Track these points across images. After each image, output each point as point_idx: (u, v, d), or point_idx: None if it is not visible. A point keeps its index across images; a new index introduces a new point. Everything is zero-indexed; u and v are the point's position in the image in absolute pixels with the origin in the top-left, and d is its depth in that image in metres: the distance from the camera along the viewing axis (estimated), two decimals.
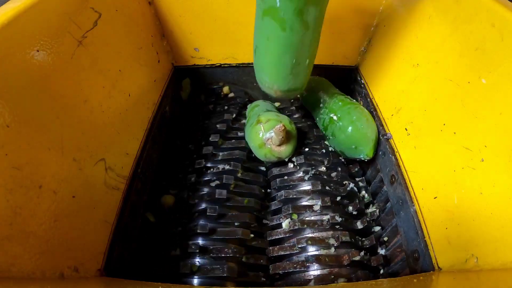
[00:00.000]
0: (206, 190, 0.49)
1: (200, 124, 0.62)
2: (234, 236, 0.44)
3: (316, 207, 0.46)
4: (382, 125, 0.49)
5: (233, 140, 0.57)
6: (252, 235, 0.45)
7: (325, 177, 0.50)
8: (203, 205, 0.47)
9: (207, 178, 0.50)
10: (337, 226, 0.45)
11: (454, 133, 0.34)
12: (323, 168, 0.51)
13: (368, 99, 0.54)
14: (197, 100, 0.68)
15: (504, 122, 0.29)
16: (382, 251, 0.45)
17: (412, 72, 0.43)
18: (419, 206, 0.38)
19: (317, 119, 0.56)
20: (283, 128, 0.45)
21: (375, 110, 0.51)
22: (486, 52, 0.32)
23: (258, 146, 0.49)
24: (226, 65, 0.63)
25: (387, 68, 0.50)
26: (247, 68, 0.64)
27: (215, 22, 0.56)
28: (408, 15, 0.45)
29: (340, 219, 0.45)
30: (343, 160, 0.54)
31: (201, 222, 0.45)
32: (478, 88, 0.32)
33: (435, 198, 0.36)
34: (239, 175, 0.51)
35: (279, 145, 0.49)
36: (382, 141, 0.48)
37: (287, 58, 0.40)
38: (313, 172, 0.50)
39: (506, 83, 0.29)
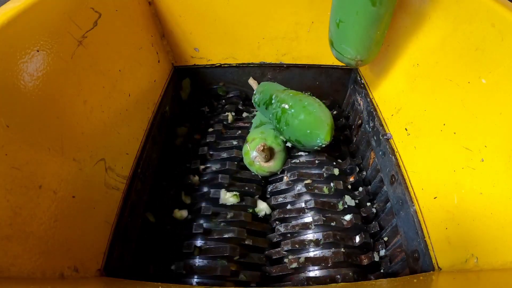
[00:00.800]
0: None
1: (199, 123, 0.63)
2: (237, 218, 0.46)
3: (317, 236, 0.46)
4: (382, 125, 0.49)
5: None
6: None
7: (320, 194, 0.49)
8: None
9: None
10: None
11: (454, 133, 0.34)
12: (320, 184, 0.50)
13: (368, 99, 0.54)
14: (197, 100, 0.69)
15: (504, 122, 0.29)
16: (382, 251, 0.45)
17: (412, 72, 0.43)
18: (419, 206, 0.38)
19: (270, 115, 0.54)
20: (262, 148, 0.47)
21: (375, 110, 0.51)
22: (486, 52, 0.32)
23: (249, 164, 0.52)
24: (226, 65, 0.63)
25: (387, 68, 0.50)
26: (247, 68, 0.64)
27: (215, 22, 0.56)
28: (408, 15, 0.45)
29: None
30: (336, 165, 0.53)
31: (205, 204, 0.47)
32: (478, 88, 0.32)
33: (435, 198, 0.36)
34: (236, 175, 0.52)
35: (267, 161, 0.51)
36: (382, 141, 0.48)
37: (373, 31, 0.43)
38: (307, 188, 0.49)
39: (506, 83, 0.29)
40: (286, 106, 0.50)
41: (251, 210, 0.49)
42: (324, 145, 0.46)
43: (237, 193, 0.49)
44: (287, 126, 0.49)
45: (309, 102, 0.48)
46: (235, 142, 0.56)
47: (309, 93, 0.55)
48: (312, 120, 0.46)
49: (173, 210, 0.47)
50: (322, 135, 0.45)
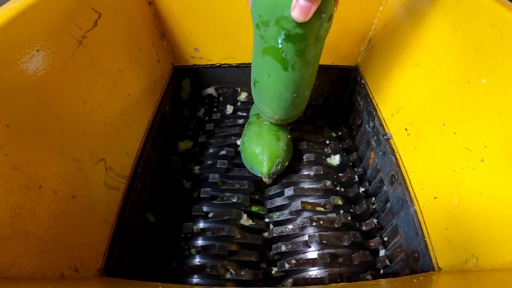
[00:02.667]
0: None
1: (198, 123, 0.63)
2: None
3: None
4: (382, 125, 0.49)
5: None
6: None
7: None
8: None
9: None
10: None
11: (454, 133, 0.34)
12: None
13: (368, 99, 0.54)
14: (197, 100, 0.69)
15: (504, 122, 0.29)
16: (382, 251, 0.45)
17: (412, 72, 0.43)
18: (419, 206, 0.38)
19: None
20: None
21: (375, 110, 0.51)
22: (486, 52, 0.31)
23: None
24: (226, 65, 0.63)
25: (387, 68, 0.50)
26: (247, 68, 0.64)
27: (215, 22, 0.56)
28: (408, 15, 0.45)
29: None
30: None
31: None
32: (478, 88, 0.32)
33: (435, 198, 0.36)
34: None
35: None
36: (382, 141, 0.48)
37: (288, 94, 0.41)
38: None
39: (506, 83, 0.29)
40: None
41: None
42: (267, 176, 0.48)
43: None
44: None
45: (249, 136, 0.50)
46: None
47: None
48: (249, 157, 0.48)
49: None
50: (259, 170, 0.47)
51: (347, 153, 0.58)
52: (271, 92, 0.41)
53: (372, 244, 0.46)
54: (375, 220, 0.48)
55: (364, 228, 0.47)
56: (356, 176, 0.53)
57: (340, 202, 0.48)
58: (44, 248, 0.27)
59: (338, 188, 0.50)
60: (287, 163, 0.49)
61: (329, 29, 0.35)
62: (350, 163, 0.56)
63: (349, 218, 0.46)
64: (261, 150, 0.47)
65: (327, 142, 0.58)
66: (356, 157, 0.57)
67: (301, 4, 0.30)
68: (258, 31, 0.36)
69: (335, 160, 0.54)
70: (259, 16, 0.34)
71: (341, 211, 0.47)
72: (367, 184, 0.53)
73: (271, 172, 0.46)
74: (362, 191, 0.51)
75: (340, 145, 0.58)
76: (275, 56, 0.36)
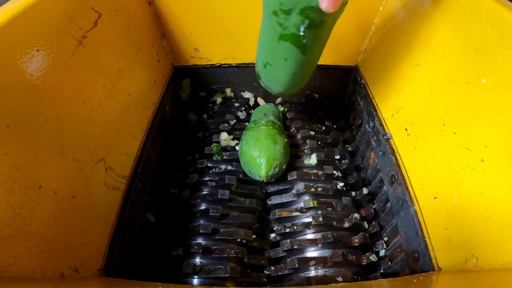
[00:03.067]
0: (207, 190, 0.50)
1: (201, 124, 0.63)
2: (236, 235, 0.45)
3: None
4: (382, 125, 0.49)
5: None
6: (254, 236, 0.46)
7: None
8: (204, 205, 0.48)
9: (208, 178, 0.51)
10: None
11: (454, 133, 0.34)
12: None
13: (368, 99, 0.54)
14: (198, 100, 0.69)
15: (504, 122, 0.29)
16: (382, 251, 0.45)
17: (412, 72, 0.43)
18: (419, 206, 0.38)
19: None
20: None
21: (375, 110, 0.51)
22: (486, 52, 0.31)
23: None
24: (226, 65, 0.63)
25: (387, 68, 0.50)
26: (247, 68, 0.64)
27: (215, 22, 0.56)
28: (408, 15, 0.45)
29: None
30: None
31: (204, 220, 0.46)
32: (478, 88, 0.32)
33: (435, 198, 0.36)
34: (240, 176, 0.52)
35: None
36: (382, 141, 0.48)
37: (302, 73, 0.42)
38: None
39: (506, 83, 0.29)
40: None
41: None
42: (265, 179, 0.48)
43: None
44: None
45: (246, 141, 0.51)
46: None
47: (270, 119, 0.56)
48: (247, 160, 0.49)
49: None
50: (257, 173, 0.47)
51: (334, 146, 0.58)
52: (286, 74, 0.42)
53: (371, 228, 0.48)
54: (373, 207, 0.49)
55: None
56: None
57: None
58: (44, 248, 0.27)
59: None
60: (284, 166, 0.50)
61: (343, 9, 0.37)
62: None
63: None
64: (258, 153, 0.48)
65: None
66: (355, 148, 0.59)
67: None
68: (275, 18, 0.35)
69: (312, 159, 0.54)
70: (279, 4, 0.33)
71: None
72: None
73: (269, 174, 0.47)
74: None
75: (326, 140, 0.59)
76: (294, 42, 0.37)
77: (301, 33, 0.35)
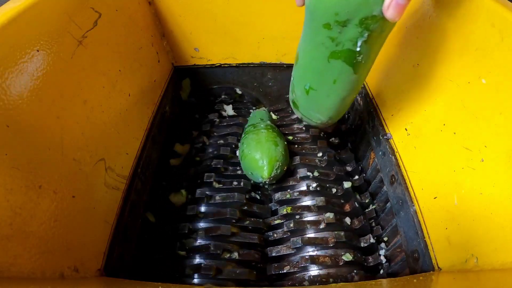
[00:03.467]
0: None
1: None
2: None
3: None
4: (382, 125, 0.49)
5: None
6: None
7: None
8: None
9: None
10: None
11: (454, 133, 0.34)
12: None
13: (368, 99, 0.54)
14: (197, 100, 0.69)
15: (504, 122, 0.29)
16: (382, 251, 0.45)
17: (412, 72, 0.43)
18: (419, 206, 0.38)
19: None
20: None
21: (375, 110, 0.51)
22: (486, 52, 0.31)
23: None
24: (226, 65, 0.63)
25: (387, 68, 0.50)
26: (247, 68, 0.64)
27: (215, 22, 0.56)
28: (408, 15, 0.45)
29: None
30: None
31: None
32: (478, 88, 0.32)
33: (435, 198, 0.36)
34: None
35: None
36: (382, 141, 0.48)
37: (350, 97, 0.38)
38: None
39: (506, 83, 0.29)
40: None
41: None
42: (268, 181, 0.48)
43: None
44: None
45: (247, 143, 0.51)
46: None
47: (266, 124, 0.56)
48: (249, 163, 0.49)
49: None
50: (260, 175, 0.48)
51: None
52: (333, 99, 0.38)
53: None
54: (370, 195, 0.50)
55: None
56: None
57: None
58: (44, 248, 0.27)
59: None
60: (285, 167, 0.51)
61: None
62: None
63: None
64: (261, 155, 0.48)
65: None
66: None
67: (399, 1, 0.26)
68: (327, 31, 0.31)
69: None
70: (334, 15, 0.29)
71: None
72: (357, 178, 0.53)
73: (271, 176, 0.47)
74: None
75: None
76: (348, 59, 0.32)
77: (358, 49, 0.31)
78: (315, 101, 0.39)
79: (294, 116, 0.64)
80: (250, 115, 0.64)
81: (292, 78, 0.41)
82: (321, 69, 0.35)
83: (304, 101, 0.41)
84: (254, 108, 0.69)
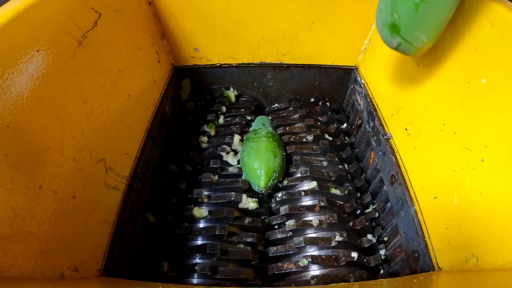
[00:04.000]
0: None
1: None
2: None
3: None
4: (382, 125, 0.49)
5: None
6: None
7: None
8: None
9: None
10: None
11: (454, 133, 0.34)
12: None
13: (368, 99, 0.54)
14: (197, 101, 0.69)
15: (504, 122, 0.29)
16: (382, 251, 0.45)
17: (412, 72, 0.43)
18: (419, 206, 0.38)
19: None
20: None
21: (375, 110, 0.51)
22: (486, 52, 0.32)
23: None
24: (226, 65, 0.63)
25: (387, 68, 0.50)
26: (247, 68, 0.64)
27: (215, 22, 0.56)
28: None
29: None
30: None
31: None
32: (478, 88, 0.32)
33: (435, 198, 0.36)
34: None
35: None
36: (382, 141, 0.48)
37: (453, 12, 0.36)
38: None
39: (506, 83, 0.29)
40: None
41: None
42: (264, 190, 0.49)
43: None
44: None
45: (247, 152, 0.52)
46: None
47: (267, 131, 0.56)
48: (248, 170, 0.51)
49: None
50: (257, 183, 0.49)
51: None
52: (442, 12, 0.35)
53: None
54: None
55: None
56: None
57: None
58: (44, 248, 0.27)
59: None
60: (281, 178, 0.53)
61: None
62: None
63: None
64: (259, 165, 0.50)
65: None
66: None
67: None
68: None
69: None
70: None
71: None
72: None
73: (267, 186, 0.49)
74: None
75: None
76: None
77: None
78: (424, 17, 0.37)
79: (296, 116, 0.64)
80: (255, 120, 0.64)
81: None
82: None
83: (411, 19, 0.38)
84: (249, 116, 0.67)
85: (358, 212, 0.49)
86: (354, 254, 0.43)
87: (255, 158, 0.51)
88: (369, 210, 0.50)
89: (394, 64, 0.48)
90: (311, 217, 0.47)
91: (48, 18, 0.31)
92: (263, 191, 0.50)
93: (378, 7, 0.41)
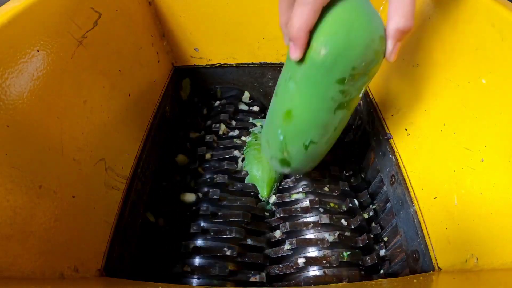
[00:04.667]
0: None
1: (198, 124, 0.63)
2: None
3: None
4: (382, 125, 0.49)
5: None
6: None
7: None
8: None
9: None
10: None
11: (454, 133, 0.34)
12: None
13: (368, 99, 0.54)
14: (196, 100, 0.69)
15: (504, 122, 0.29)
16: (382, 251, 0.45)
17: (412, 72, 0.43)
18: (419, 206, 0.38)
19: None
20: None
21: (375, 110, 0.51)
22: (486, 52, 0.31)
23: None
24: (226, 65, 0.63)
25: (387, 68, 0.50)
26: (247, 68, 0.64)
27: (215, 22, 0.56)
28: None
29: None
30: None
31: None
32: (478, 88, 0.32)
33: (435, 198, 0.36)
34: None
35: None
36: (382, 141, 0.48)
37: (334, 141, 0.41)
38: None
39: (506, 83, 0.29)
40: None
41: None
42: (266, 199, 0.51)
43: None
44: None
45: (249, 160, 0.53)
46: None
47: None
48: (250, 179, 0.52)
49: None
50: (260, 192, 0.50)
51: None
52: (330, 144, 0.38)
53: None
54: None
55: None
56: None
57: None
58: (44, 248, 0.27)
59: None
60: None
61: None
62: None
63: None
64: (261, 175, 0.51)
65: None
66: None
67: (398, 45, 0.30)
68: (340, 86, 0.30)
69: None
70: (351, 70, 0.29)
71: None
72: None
73: (269, 195, 0.51)
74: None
75: None
76: (350, 107, 0.33)
77: (360, 95, 0.32)
78: (313, 154, 0.39)
79: None
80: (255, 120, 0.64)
81: (279, 138, 0.38)
82: (326, 122, 0.34)
83: (300, 157, 0.39)
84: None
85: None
86: (350, 255, 0.43)
87: (257, 168, 0.52)
88: (369, 209, 0.50)
89: (394, 64, 0.48)
90: (307, 220, 0.47)
91: (48, 18, 0.31)
92: (265, 200, 0.51)
93: (263, 136, 0.43)
